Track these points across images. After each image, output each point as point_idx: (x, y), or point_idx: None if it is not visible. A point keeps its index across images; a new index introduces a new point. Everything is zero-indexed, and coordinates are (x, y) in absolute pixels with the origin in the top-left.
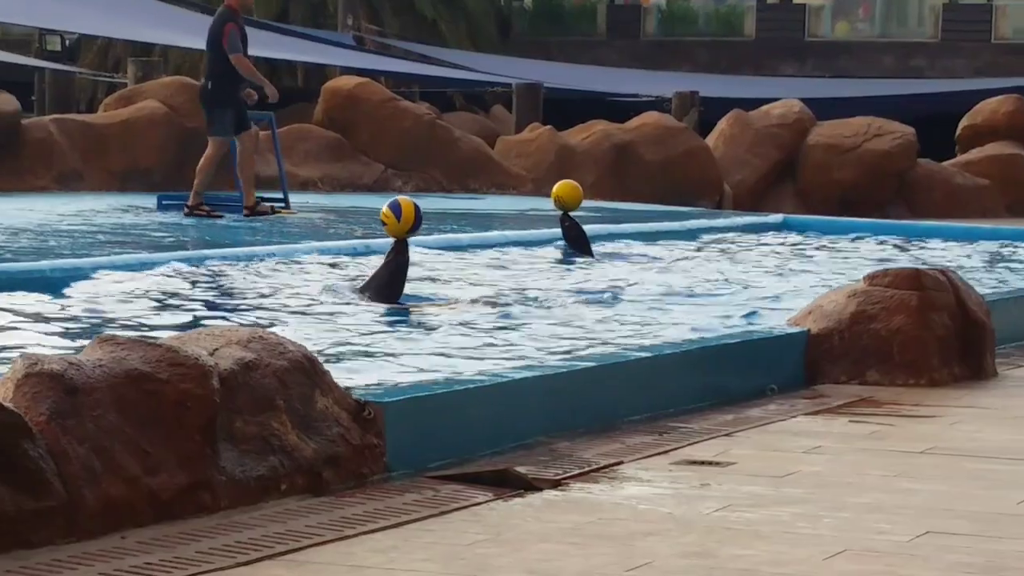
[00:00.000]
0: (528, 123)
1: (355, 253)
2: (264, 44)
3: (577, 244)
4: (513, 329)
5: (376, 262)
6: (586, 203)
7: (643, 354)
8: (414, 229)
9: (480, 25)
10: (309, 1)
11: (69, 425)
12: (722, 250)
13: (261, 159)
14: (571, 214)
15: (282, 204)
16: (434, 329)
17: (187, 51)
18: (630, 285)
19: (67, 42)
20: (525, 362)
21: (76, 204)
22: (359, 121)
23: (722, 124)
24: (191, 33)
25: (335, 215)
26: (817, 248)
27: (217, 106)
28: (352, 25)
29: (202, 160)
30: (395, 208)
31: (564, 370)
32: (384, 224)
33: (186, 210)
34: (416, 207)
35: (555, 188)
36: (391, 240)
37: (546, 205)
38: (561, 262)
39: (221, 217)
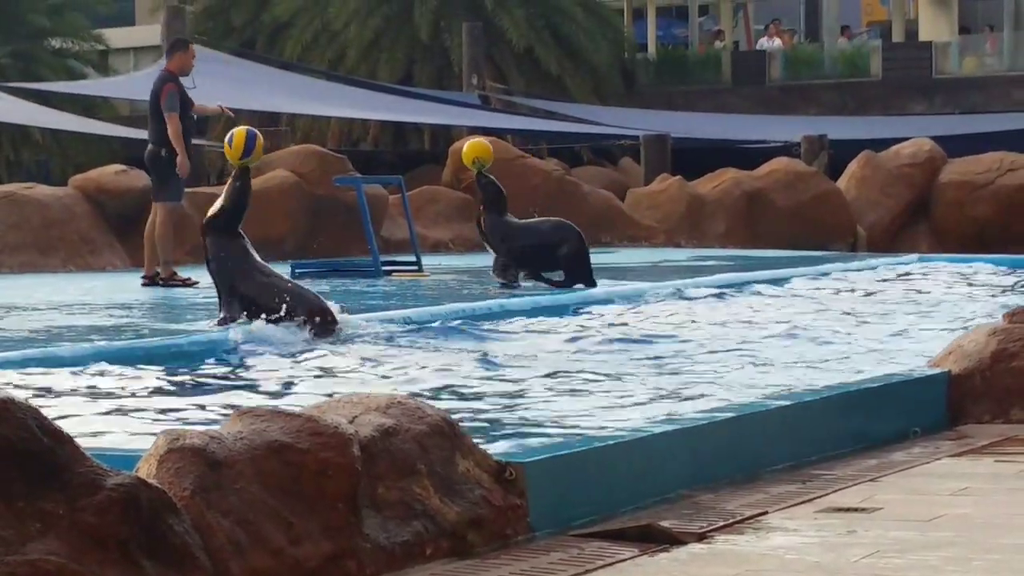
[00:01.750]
0: (657, 174)
1: (490, 314)
2: (390, 108)
3: (498, 199)
4: (645, 380)
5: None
6: (719, 252)
7: (783, 402)
8: (247, 154)
9: (605, 78)
10: (434, 63)
11: (213, 499)
12: (858, 293)
13: (392, 222)
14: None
15: (415, 267)
16: (561, 385)
17: (314, 119)
18: (764, 332)
19: (195, 115)
20: (663, 415)
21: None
22: None
23: (853, 166)
24: (317, 101)
25: (468, 275)
26: (955, 287)
27: (171, 171)
28: (477, 84)
29: (159, 229)
30: (229, 138)
31: (704, 422)
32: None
33: (161, 282)
34: (248, 133)
35: (467, 149)
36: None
37: (679, 256)
38: (689, 313)
39: (196, 284)
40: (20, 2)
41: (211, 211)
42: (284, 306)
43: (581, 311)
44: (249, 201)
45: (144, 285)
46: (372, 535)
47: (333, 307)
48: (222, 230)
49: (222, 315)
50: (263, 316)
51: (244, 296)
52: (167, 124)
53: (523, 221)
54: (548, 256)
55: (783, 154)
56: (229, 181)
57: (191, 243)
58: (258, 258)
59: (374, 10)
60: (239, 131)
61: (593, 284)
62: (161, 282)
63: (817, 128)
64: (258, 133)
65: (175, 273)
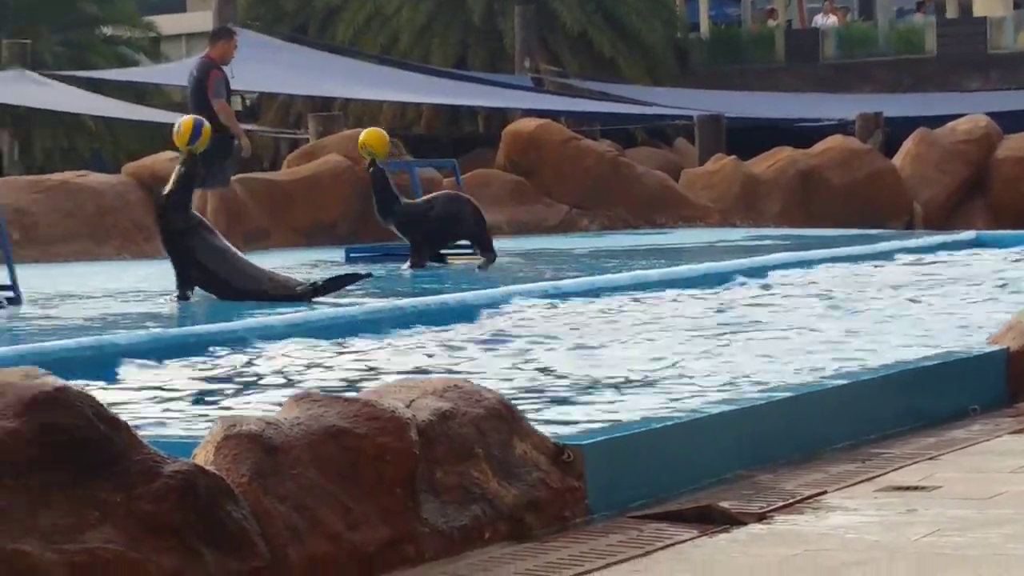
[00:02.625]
0: (711, 154)
1: (545, 295)
2: (444, 91)
3: (382, 191)
4: (699, 360)
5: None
6: (775, 231)
7: (842, 381)
8: (193, 140)
9: (658, 59)
10: (487, 46)
11: (270, 485)
12: (915, 270)
13: None
14: (378, 162)
15: (469, 251)
16: (617, 366)
17: (366, 103)
18: (820, 311)
19: (248, 101)
20: (720, 395)
21: (266, 262)
22: (541, 163)
23: (908, 144)
24: (370, 85)
25: (522, 258)
26: (1013, 263)
27: (218, 158)
28: (530, 67)
29: (211, 217)
30: (176, 127)
31: (763, 402)
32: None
33: None
34: (195, 122)
35: (361, 137)
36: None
37: (734, 235)
38: (741, 294)
39: None
40: None
41: (162, 197)
42: (247, 282)
43: (633, 292)
44: (196, 184)
45: None
46: (430, 519)
47: (301, 281)
48: (174, 213)
49: (178, 293)
50: (222, 292)
51: (204, 273)
52: (216, 110)
53: (418, 200)
54: (449, 228)
55: (838, 132)
56: (177, 167)
57: (245, 228)
58: (219, 237)
59: None
60: (186, 119)
61: (492, 251)
62: None
63: (872, 106)
64: (205, 121)
65: None
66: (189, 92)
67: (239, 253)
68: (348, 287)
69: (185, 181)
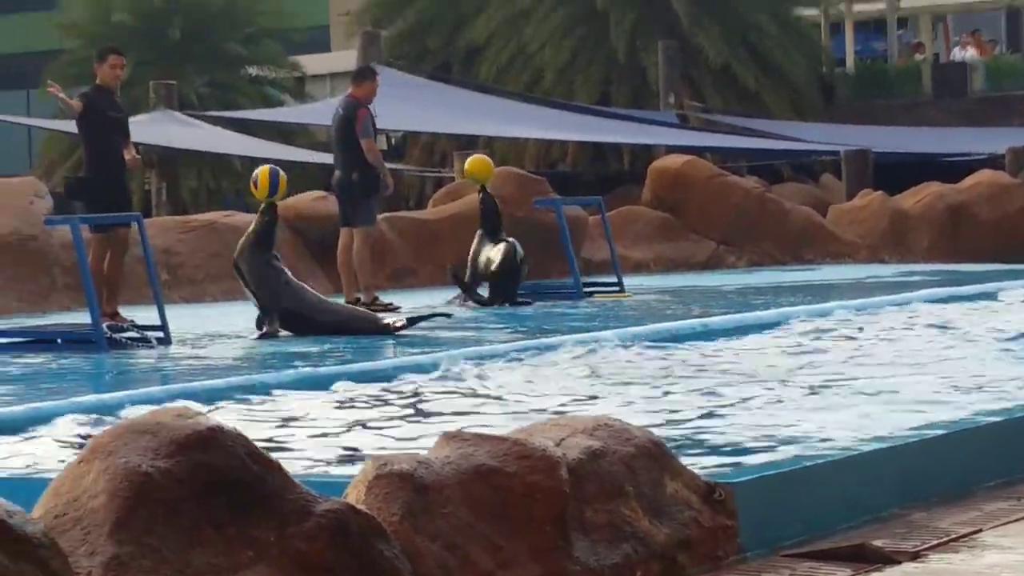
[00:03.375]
0: (859, 190)
1: (693, 334)
2: (588, 128)
3: (488, 217)
4: (847, 397)
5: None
6: (923, 267)
7: (996, 418)
8: (272, 192)
9: (803, 94)
10: (630, 83)
11: (421, 523)
12: None
13: (592, 243)
14: (487, 187)
15: (616, 288)
16: (765, 403)
17: (511, 141)
18: (971, 347)
19: (392, 140)
20: (870, 432)
21: (411, 301)
22: (687, 199)
23: None
24: (514, 122)
25: (670, 295)
26: None
27: (365, 196)
28: (674, 103)
29: (358, 255)
30: (254, 178)
31: (915, 439)
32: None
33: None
34: (271, 172)
35: (467, 164)
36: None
37: (884, 272)
38: (886, 329)
39: (398, 308)
40: (217, 31)
41: (241, 243)
42: (327, 316)
43: (782, 327)
44: (276, 232)
45: None
46: (581, 558)
47: (391, 320)
48: (255, 258)
49: (265, 330)
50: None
51: (291, 314)
52: (365, 149)
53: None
54: (478, 270)
55: (987, 167)
56: (258, 215)
57: (392, 267)
58: (297, 281)
59: (569, 31)
60: (263, 171)
61: (514, 302)
62: (363, 308)
63: (1021, 139)
64: (280, 172)
65: (377, 298)
66: (333, 130)
67: (314, 291)
68: (428, 322)
69: (265, 228)
